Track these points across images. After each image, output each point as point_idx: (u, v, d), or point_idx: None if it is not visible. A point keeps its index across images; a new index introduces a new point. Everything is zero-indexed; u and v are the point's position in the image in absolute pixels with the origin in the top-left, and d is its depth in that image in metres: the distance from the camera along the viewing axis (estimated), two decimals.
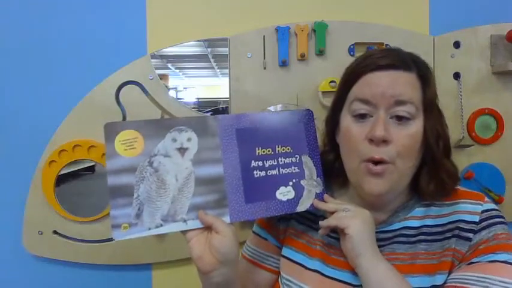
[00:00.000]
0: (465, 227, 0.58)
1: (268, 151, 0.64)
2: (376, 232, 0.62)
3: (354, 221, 0.59)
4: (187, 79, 1.26)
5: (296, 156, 0.66)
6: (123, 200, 0.57)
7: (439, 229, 0.61)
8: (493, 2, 1.24)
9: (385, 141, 0.58)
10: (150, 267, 1.19)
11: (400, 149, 0.58)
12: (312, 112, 0.69)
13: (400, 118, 0.59)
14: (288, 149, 0.65)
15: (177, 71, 1.23)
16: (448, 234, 0.60)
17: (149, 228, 0.58)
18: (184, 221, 0.59)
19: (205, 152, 0.61)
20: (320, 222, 0.63)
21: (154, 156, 0.59)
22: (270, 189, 0.64)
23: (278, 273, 0.73)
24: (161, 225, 0.58)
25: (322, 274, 0.64)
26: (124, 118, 1.13)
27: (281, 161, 0.65)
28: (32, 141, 1.11)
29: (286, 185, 0.65)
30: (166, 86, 1.16)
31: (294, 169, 0.65)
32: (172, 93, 1.19)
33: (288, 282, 0.67)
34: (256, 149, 0.64)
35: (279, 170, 0.64)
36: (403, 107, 0.58)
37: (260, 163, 0.64)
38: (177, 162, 0.59)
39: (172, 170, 0.59)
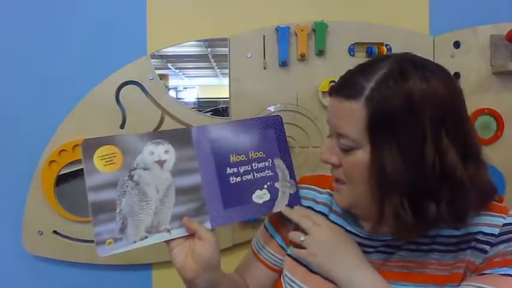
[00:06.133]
0: (482, 239, 0.57)
1: (242, 157, 0.67)
2: (387, 239, 0.62)
3: (310, 253, 0.61)
4: (187, 79, 1.26)
5: (269, 160, 0.69)
6: (105, 215, 0.59)
7: (455, 240, 0.59)
8: (493, 2, 1.24)
9: (333, 164, 0.60)
10: (150, 267, 1.20)
11: (346, 174, 0.59)
12: (280, 117, 0.71)
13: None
14: (261, 154, 0.68)
15: (177, 71, 1.23)
16: (463, 246, 0.58)
17: (134, 242, 0.60)
18: (168, 230, 0.61)
19: (182, 162, 0.63)
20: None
21: (134, 170, 0.60)
22: (247, 193, 0.67)
23: (276, 272, 0.73)
24: (146, 237, 0.60)
25: (325, 278, 0.64)
26: (124, 118, 1.13)
27: (255, 166, 0.68)
28: (32, 141, 1.11)
29: (261, 188, 0.68)
30: (166, 86, 1.16)
31: (268, 173, 0.68)
32: (172, 93, 1.19)
33: (291, 283, 0.67)
34: (231, 156, 0.66)
35: (253, 175, 0.67)
36: (341, 139, 0.57)
37: (235, 169, 0.66)
38: (156, 175, 0.61)
39: (152, 182, 0.61)
